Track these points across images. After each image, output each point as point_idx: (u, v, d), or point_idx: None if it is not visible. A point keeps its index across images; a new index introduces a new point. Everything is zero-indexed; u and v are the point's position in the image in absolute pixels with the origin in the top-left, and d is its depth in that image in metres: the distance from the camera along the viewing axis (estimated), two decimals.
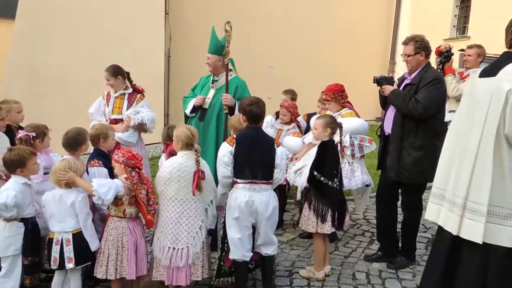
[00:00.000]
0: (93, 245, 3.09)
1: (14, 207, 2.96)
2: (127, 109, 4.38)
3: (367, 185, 4.27)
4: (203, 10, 9.75)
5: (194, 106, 4.23)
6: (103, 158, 3.48)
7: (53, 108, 7.68)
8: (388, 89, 3.68)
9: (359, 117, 4.34)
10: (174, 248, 3.10)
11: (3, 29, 8.98)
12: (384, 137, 3.83)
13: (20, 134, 3.38)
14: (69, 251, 2.98)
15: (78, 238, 3.02)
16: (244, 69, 10.32)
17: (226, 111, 4.09)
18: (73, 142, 3.35)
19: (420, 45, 3.57)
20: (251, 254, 3.29)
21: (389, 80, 3.77)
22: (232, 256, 3.25)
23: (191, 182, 3.09)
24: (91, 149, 3.59)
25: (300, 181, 3.94)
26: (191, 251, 3.11)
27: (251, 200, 3.18)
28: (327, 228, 3.51)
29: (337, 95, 4.34)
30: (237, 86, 4.24)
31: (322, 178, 3.45)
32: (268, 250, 3.36)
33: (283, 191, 4.81)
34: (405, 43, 3.66)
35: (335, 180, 3.51)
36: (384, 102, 3.85)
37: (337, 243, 4.37)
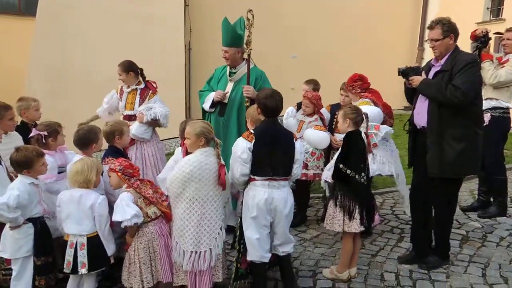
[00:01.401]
0: (110, 249, 3.00)
1: (17, 209, 2.85)
2: (139, 105, 4.33)
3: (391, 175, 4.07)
4: (223, 1, 9.55)
5: (213, 101, 4.07)
6: (119, 155, 3.37)
7: (76, 106, 7.69)
8: (417, 79, 3.41)
9: (377, 104, 4.14)
10: (196, 252, 2.96)
11: (27, 26, 9.07)
12: (414, 132, 3.58)
13: (32, 133, 3.31)
14: (82, 256, 2.89)
15: (93, 242, 2.93)
16: (267, 59, 10.15)
17: (247, 104, 3.92)
18: (84, 139, 3.27)
19: (448, 27, 3.30)
20: (270, 255, 3.13)
21: (415, 70, 3.48)
22: (250, 257, 3.09)
23: (212, 180, 2.96)
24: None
25: (327, 174, 3.76)
26: (214, 253, 2.99)
27: (271, 198, 3.01)
28: (355, 226, 3.28)
29: (348, 86, 4.28)
30: (257, 77, 4.08)
31: (348, 171, 3.25)
32: (286, 249, 3.19)
33: (306, 187, 4.62)
34: (431, 27, 3.39)
35: (363, 174, 3.30)
36: (411, 94, 3.59)
37: (363, 241, 4.14)
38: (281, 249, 3.18)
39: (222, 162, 3.01)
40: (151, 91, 4.41)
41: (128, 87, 4.42)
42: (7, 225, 2.95)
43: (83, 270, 2.90)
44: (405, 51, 11.36)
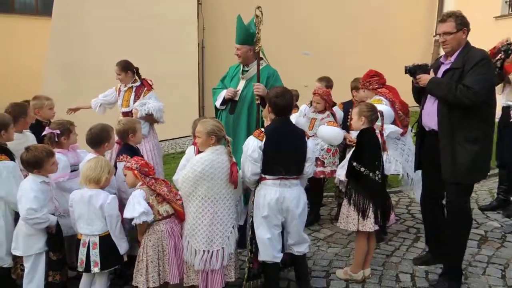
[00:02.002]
0: (122, 248, 3.00)
1: (42, 208, 2.89)
2: (134, 101, 4.57)
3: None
4: (235, 1, 9.54)
5: (224, 98, 4.07)
6: (132, 153, 3.37)
7: None
8: (424, 78, 3.19)
9: (393, 101, 4.03)
10: (208, 251, 2.94)
11: (44, 26, 9.22)
12: (422, 134, 3.40)
13: (45, 131, 3.34)
14: (95, 255, 2.90)
15: (105, 242, 2.93)
16: (279, 56, 10.08)
17: (258, 102, 3.90)
18: (97, 139, 3.29)
19: (461, 21, 3.10)
20: (282, 255, 3.09)
21: (423, 69, 3.27)
22: (261, 257, 3.06)
23: (224, 178, 2.94)
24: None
25: (341, 172, 3.70)
26: (226, 252, 2.97)
27: (282, 197, 2.97)
28: (369, 225, 3.23)
29: (365, 82, 4.14)
30: (269, 76, 4.05)
31: (362, 169, 3.20)
32: (300, 248, 3.15)
33: (319, 185, 4.57)
34: (443, 20, 3.17)
35: (377, 172, 3.23)
36: (419, 94, 3.40)
37: (378, 242, 4.07)
38: (296, 249, 3.14)
39: (234, 160, 2.99)
40: (146, 88, 4.64)
41: (125, 85, 4.67)
42: (20, 223, 2.98)
43: (95, 269, 2.90)
44: (420, 48, 11.16)
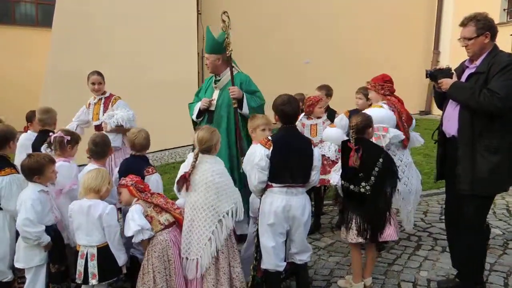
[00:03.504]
0: (121, 260, 2.97)
1: (40, 221, 2.87)
2: (103, 113, 4.43)
3: None
4: (235, 9, 9.59)
5: (200, 110, 4.12)
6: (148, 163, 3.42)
7: None
8: (446, 83, 3.03)
9: (400, 112, 3.96)
10: (187, 258, 2.93)
11: (45, 38, 9.27)
12: (444, 141, 3.23)
13: (56, 134, 3.33)
14: (93, 267, 2.87)
15: (104, 253, 2.91)
16: (276, 65, 10.10)
17: (235, 106, 3.96)
18: (103, 148, 3.33)
19: (483, 24, 2.95)
20: (285, 263, 3.06)
21: (446, 73, 3.10)
22: (264, 266, 3.03)
23: (202, 188, 2.91)
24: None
25: (335, 177, 3.74)
26: (200, 262, 2.89)
27: (289, 205, 2.95)
28: (351, 236, 3.19)
29: (377, 84, 3.94)
30: (242, 82, 4.14)
31: (342, 181, 3.20)
32: (303, 257, 3.13)
33: (319, 193, 4.56)
34: (464, 24, 3.01)
35: (363, 184, 3.08)
36: (442, 99, 3.22)
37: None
38: (298, 258, 3.12)
39: (217, 174, 2.93)
40: (113, 97, 4.52)
41: (94, 98, 4.59)
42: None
43: (93, 281, 2.88)
44: (419, 55, 11.18)
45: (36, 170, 2.93)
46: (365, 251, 3.44)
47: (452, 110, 3.09)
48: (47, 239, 2.93)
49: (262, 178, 2.95)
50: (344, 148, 3.20)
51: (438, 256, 3.89)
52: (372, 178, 3.07)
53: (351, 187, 3.13)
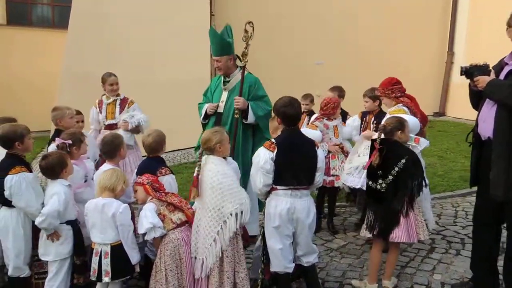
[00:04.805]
0: (134, 258, 3.01)
1: (63, 214, 2.99)
2: (120, 113, 4.79)
3: None
4: (248, 11, 9.63)
5: (207, 113, 4.11)
6: (162, 164, 3.41)
7: None
8: (483, 80, 2.85)
9: (415, 112, 3.94)
10: (195, 258, 2.96)
11: (61, 39, 9.41)
12: (479, 144, 3.05)
13: (56, 141, 3.40)
14: (106, 264, 2.93)
15: (117, 251, 2.95)
16: (288, 66, 10.06)
17: (237, 116, 3.91)
18: (112, 147, 3.35)
19: None
20: (293, 265, 3.06)
21: (483, 69, 2.92)
22: (273, 268, 3.04)
23: (208, 188, 2.94)
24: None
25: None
26: (205, 263, 2.91)
27: (293, 207, 2.96)
28: (363, 231, 3.34)
29: (386, 90, 3.95)
30: (251, 85, 4.06)
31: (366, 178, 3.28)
32: (309, 259, 3.13)
33: (333, 195, 4.55)
34: (510, 24, 2.88)
35: (380, 181, 3.11)
36: (478, 98, 3.04)
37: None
38: (305, 260, 3.12)
39: (223, 175, 2.96)
40: (129, 100, 4.90)
41: (108, 98, 4.89)
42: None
43: (106, 279, 2.93)
44: (433, 55, 11.03)
45: (61, 164, 3.05)
46: (387, 253, 3.40)
47: (488, 110, 2.92)
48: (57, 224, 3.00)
49: (267, 181, 2.96)
50: (371, 147, 3.21)
51: (452, 259, 3.85)
52: (390, 177, 3.08)
53: (370, 182, 3.17)
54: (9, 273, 3.17)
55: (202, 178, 2.95)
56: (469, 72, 2.96)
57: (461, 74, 3.01)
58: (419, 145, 3.54)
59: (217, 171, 2.93)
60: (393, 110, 3.89)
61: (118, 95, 4.90)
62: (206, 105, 4.14)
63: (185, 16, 8.92)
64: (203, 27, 9.38)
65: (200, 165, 2.95)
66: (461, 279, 3.49)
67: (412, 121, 3.66)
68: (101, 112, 4.89)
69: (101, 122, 4.90)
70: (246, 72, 4.06)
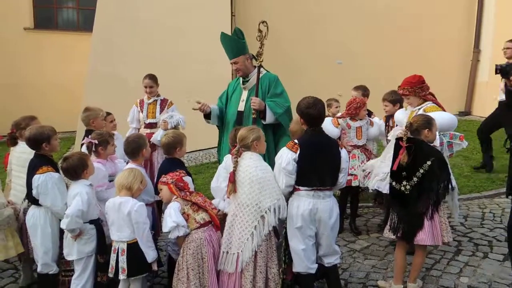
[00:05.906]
0: (150, 256, 3.04)
1: (87, 214, 3.05)
2: (160, 113, 4.98)
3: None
4: (270, 11, 9.61)
5: (207, 113, 4.15)
6: (178, 166, 3.38)
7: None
8: None
9: (444, 110, 3.85)
10: (227, 253, 2.97)
11: (86, 42, 9.62)
12: None
13: (84, 140, 3.47)
14: (122, 261, 2.98)
15: (133, 249, 2.99)
16: (312, 66, 9.99)
17: (254, 116, 3.89)
18: (135, 146, 3.39)
19: None
20: (316, 265, 3.04)
21: None
22: (296, 269, 3.03)
23: (246, 183, 2.96)
24: None
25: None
26: (241, 258, 2.92)
27: (315, 208, 2.94)
28: (386, 232, 3.29)
29: (416, 88, 3.79)
30: (270, 82, 4.06)
31: (389, 178, 3.22)
32: (330, 260, 3.10)
33: (355, 195, 4.51)
34: None
35: (404, 183, 3.07)
36: None
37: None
38: (326, 260, 3.09)
39: (260, 170, 2.99)
40: (169, 101, 5.11)
41: (149, 98, 5.07)
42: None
43: (122, 276, 2.98)
44: (458, 54, 10.77)
45: (82, 165, 3.11)
46: (412, 256, 3.33)
47: None
48: (82, 226, 3.04)
49: (290, 182, 2.95)
50: (396, 146, 3.15)
51: (480, 262, 3.75)
52: (415, 178, 3.03)
53: (393, 183, 3.12)
54: (38, 269, 3.26)
55: (239, 174, 2.97)
56: (505, 70, 2.90)
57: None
58: (463, 143, 3.46)
59: (256, 166, 2.96)
60: (428, 107, 3.74)
61: (158, 95, 5.09)
62: (215, 107, 4.23)
63: (207, 17, 8.98)
64: (224, 28, 9.44)
65: (236, 161, 2.98)
66: (489, 283, 3.39)
67: (450, 117, 3.56)
68: (142, 111, 5.07)
69: (142, 121, 5.07)
70: (264, 72, 4.07)
